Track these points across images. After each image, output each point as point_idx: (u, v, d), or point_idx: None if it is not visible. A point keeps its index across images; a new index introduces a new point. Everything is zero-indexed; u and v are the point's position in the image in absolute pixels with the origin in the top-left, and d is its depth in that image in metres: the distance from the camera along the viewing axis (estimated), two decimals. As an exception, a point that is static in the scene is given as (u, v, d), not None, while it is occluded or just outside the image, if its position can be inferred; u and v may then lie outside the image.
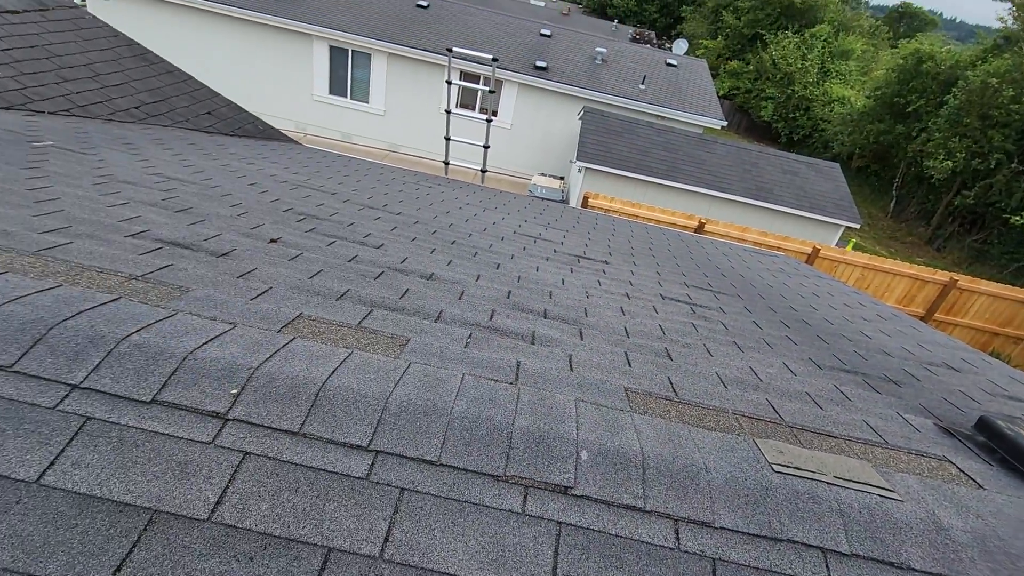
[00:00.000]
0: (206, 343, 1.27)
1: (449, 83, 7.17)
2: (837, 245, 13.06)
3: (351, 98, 15.67)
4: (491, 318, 1.97)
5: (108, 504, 0.98)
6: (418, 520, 1.06)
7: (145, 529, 0.96)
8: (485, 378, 1.44)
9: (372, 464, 1.13)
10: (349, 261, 2.21)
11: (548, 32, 16.95)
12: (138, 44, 5.03)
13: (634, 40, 32.05)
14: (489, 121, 7.40)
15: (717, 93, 19.26)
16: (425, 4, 16.59)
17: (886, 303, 5.64)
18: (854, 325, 3.48)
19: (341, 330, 1.54)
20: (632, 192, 12.48)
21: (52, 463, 1.01)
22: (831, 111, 27.58)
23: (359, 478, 1.10)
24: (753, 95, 31.49)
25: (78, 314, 1.26)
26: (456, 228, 3.41)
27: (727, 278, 4.12)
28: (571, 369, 1.68)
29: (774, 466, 1.33)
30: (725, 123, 15.49)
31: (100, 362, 1.16)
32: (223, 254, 1.92)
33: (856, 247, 18.30)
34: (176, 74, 5.09)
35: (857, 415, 1.82)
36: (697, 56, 30.61)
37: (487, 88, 7.63)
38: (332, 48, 14.95)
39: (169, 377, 1.17)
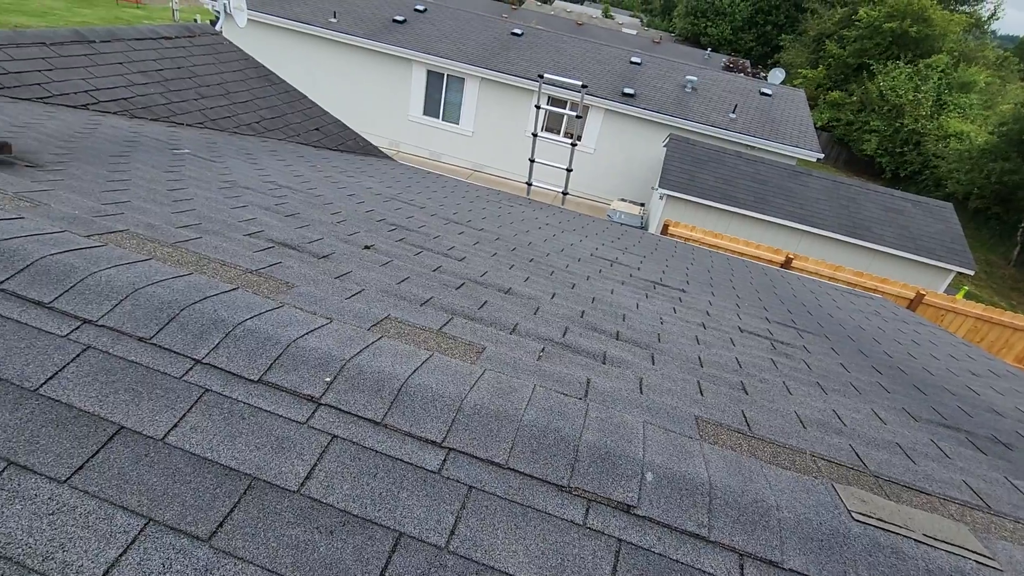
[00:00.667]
0: (307, 334, 1.41)
1: (538, 108, 7.36)
2: (945, 292, 11.91)
3: (443, 119, 16.42)
4: (564, 335, 2.01)
5: (217, 467, 1.11)
6: (483, 518, 1.11)
7: (245, 493, 1.08)
8: (555, 391, 1.48)
9: (444, 460, 1.19)
10: (434, 271, 2.34)
11: (638, 60, 16.97)
12: (263, 66, 5.60)
13: (727, 69, 31.30)
14: (574, 145, 7.51)
15: (815, 124, 18.34)
16: (519, 32, 17.17)
17: (1003, 360, 5.08)
18: (960, 379, 3.18)
19: (423, 333, 1.64)
20: (715, 222, 12.10)
21: (175, 425, 1.16)
22: (946, 147, 25.38)
23: (431, 471, 1.17)
24: (855, 127, 29.67)
25: (204, 299, 1.44)
26: (535, 247, 3.49)
27: (813, 316, 3.90)
28: (641, 392, 1.68)
29: (854, 514, 1.26)
30: (822, 155, 14.70)
31: (219, 342, 1.32)
32: (324, 256, 2.10)
33: (968, 296, 16.57)
34: (292, 93, 5.61)
35: (956, 474, 1.68)
36: (795, 86, 29.36)
37: (574, 113, 7.77)
38: (429, 72, 15.80)
39: (274, 361, 1.30)
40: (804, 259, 10.47)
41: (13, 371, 1.19)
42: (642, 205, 14.41)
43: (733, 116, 15.05)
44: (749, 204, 11.95)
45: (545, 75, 7.34)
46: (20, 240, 1.48)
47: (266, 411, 1.21)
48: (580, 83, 7.28)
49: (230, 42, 5.59)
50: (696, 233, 10.71)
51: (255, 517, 1.04)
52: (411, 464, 1.17)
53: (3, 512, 0.98)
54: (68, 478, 1.05)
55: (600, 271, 3.39)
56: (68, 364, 1.22)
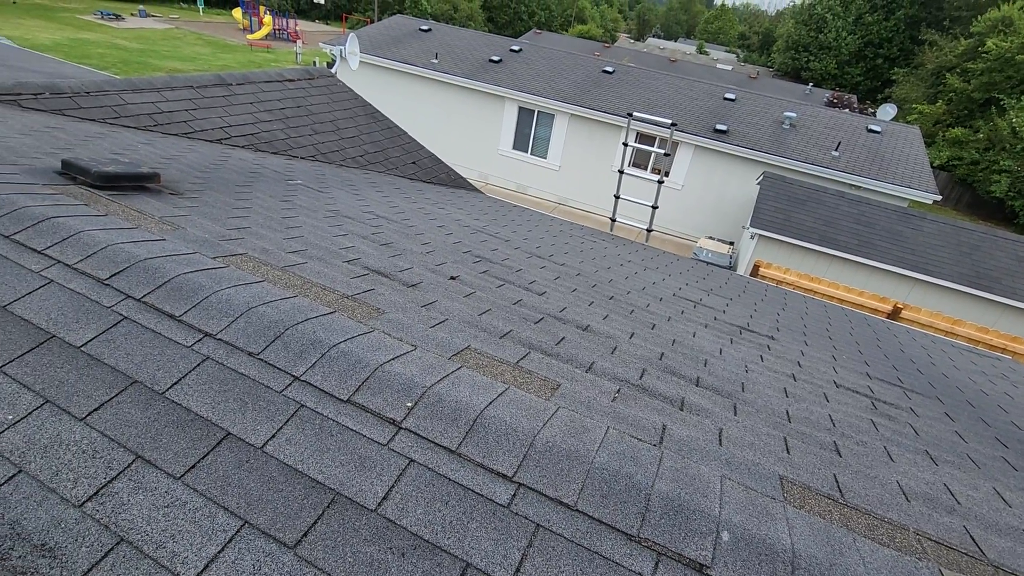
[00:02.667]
0: (393, 359, 1.50)
1: (626, 145, 7.38)
2: (1096, 357, 10.29)
3: (531, 153, 16.85)
4: (641, 377, 1.98)
5: (305, 479, 1.19)
6: (549, 559, 1.11)
7: (328, 506, 1.15)
8: (629, 435, 1.46)
9: (514, 495, 1.21)
10: (514, 304, 2.40)
11: (732, 96, 16.57)
12: (370, 105, 6.08)
13: (830, 104, 29.71)
14: (660, 183, 7.42)
15: (931, 163, 16.83)
16: (611, 70, 17.39)
17: None
18: (1111, 462, 2.73)
19: (501, 366, 1.69)
20: (812, 265, 11.34)
21: (273, 436, 1.27)
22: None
23: (501, 505, 1.19)
24: (981, 167, 26.87)
25: (306, 320, 1.57)
26: (616, 284, 3.47)
27: (924, 375, 3.53)
28: (720, 444, 1.61)
29: (964, 606, 1.13)
30: (939, 197, 13.44)
31: (315, 361, 1.44)
32: (412, 285, 2.23)
33: None
34: (393, 129, 6.03)
35: (1100, 575, 1.44)
36: (908, 122, 27.24)
37: (662, 151, 7.70)
38: (521, 109, 16.35)
39: (363, 383, 1.40)
40: (915, 310, 9.52)
41: (147, 374, 1.37)
42: (731, 244, 13.84)
43: (836, 154, 14.20)
44: (852, 247, 11.12)
45: (634, 113, 7.37)
46: (161, 259, 1.71)
47: (352, 430, 1.30)
48: (669, 121, 7.23)
49: (343, 83, 6.14)
50: (790, 276, 10.10)
51: (336, 531, 1.11)
52: (482, 495, 1.20)
53: (129, 500, 1.12)
54: (182, 475, 1.17)
55: (682, 312, 3.30)
56: (190, 372, 1.38)
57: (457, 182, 6.19)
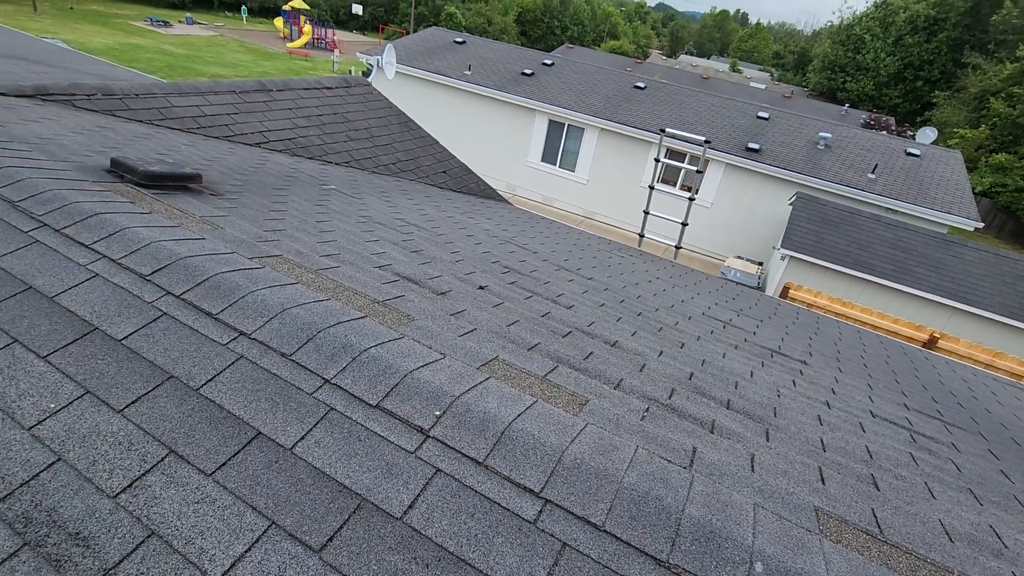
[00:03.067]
0: (422, 367, 1.49)
1: (657, 161, 7.33)
2: None
3: (559, 166, 16.89)
4: (670, 396, 1.94)
5: (332, 483, 1.19)
6: (575, 579, 1.08)
7: (354, 512, 1.15)
8: (659, 456, 1.42)
9: (540, 511, 1.19)
10: (542, 316, 2.38)
11: (766, 115, 16.37)
12: (404, 114, 6.17)
13: (867, 126, 29.13)
14: (691, 200, 7.35)
15: (973, 190, 16.31)
16: (642, 86, 17.37)
17: None
18: None
19: (529, 378, 1.67)
20: (844, 289, 11.06)
21: (302, 438, 1.27)
22: None
23: (527, 521, 1.17)
24: (1027, 195, 25.96)
25: (338, 324, 1.58)
26: (644, 300, 3.42)
27: (966, 409, 3.38)
28: (752, 470, 1.56)
29: (1016, 659, 1.06)
30: (980, 224, 13.00)
31: (346, 365, 1.44)
32: (442, 293, 2.23)
33: None
34: (426, 138, 6.11)
35: None
36: (949, 146, 26.49)
37: (694, 168, 7.62)
38: (551, 122, 16.43)
39: (392, 389, 1.40)
40: (953, 340, 9.18)
41: (183, 370, 1.39)
42: (760, 264, 13.60)
43: (872, 176, 13.88)
44: (887, 272, 10.81)
45: (667, 129, 7.32)
46: (201, 258, 1.74)
47: (379, 435, 1.29)
48: (703, 138, 7.17)
49: (378, 92, 6.25)
50: (821, 299, 9.86)
51: (361, 537, 1.10)
52: (508, 510, 1.18)
53: (161, 495, 1.14)
54: (213, 472, 1.18)
55: (712, 332, 3.24)
56: (224, 370, 1.40)
57: (486, 192, 6.23)
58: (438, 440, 1.30)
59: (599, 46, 64.57)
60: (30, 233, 1.75)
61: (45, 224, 1.79)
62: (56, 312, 1.51)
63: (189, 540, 1.06)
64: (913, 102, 41.46)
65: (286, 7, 41.03)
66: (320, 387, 1.39)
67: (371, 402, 1.36)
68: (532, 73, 17.38)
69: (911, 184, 13.80)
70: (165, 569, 1.02)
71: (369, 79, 6.29)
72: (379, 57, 6.51)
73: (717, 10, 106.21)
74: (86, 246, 1.73)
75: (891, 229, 11.81)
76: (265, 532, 1.09)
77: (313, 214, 2.84)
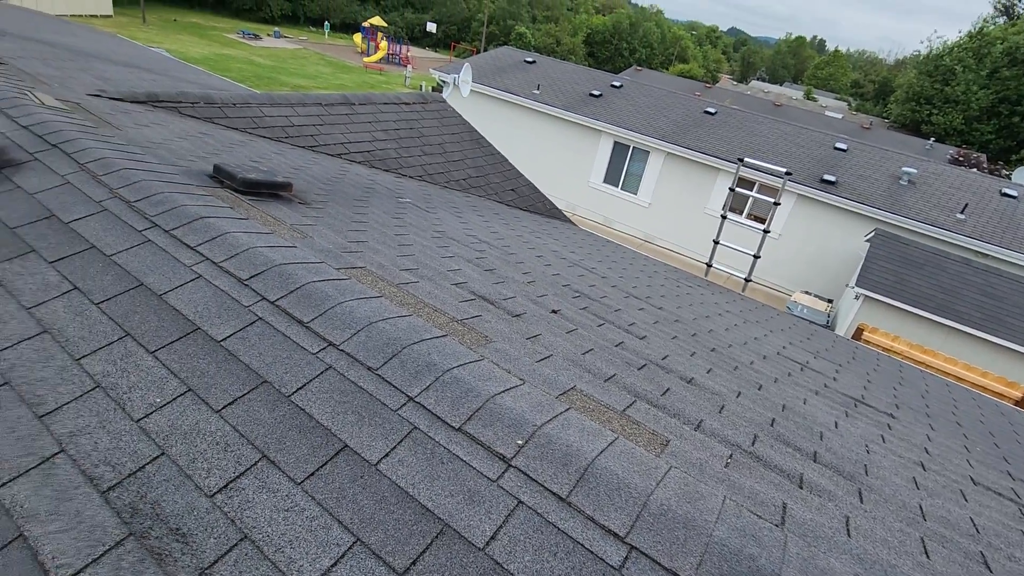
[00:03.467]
0: (503, 392, 1.48)
1: (732, 190, 7.13)
2: None
3: (621, 188, 16.74)
4: (753, 443, 1.83)
5: (416, 504, 1.18)
6: (663, 638, 1.02)
7: (437, 537, 1.13)
8: (748, 509, 1.34)
9: (626, 558, 1.13)
10: (616, 346, 2.33)
11: (843, 146, 15.65)
12: (476, 131, 6.29)
13: (955, 162, 27.36)
14: (766, 232, 7.08)
15: (1079, 236, 14.88)
16: (713, 111, 17.03)
17: None
18: None
19: (608, 412, 1.62)
20: (924, 335, 10.30)
21: (387, 455, 1.27)
22: None
23: (612, 567, 1.11)
24: None
25: (421, 341, 1.59)
26: (716, 335, 3.29)
27: (1078, 484, 3.03)
28: (848, 535, 1.44)
29: None
30: (1088, 276, 11.82)
31: (430, 384, 1.45)
32: (516, 315, 2.22)
33: None
34: (496, 156, 6.19)
35: None
36: (1051, 188, 24.38)
37: (771, 200, 7.34)
38: (616, 143, 16.35)
39: (474, 412, 1.38)
40: (1052, 400, 8.34)
41: (275, 376, 1.43)
42: (829, 301, 12.90)
43: (962, 216, 12.95)
44: (975, 321, 9.99)
45: (746, 159, 7.11)
46: (293, 266, 1.81)
47: (462, 460, 1.28)
48: (783, 170, 6.90)
49: (452, 108, 6.41)
50: (898, 344, 9.22)
51: (443, 564, 1.08)
52: (592, 552, 1.13)
53: (254, 499, 1.16)
54: (302, 481, 1.20)
55: (789, 374, 3.07)
56: (314, 379, 1.43)
57: (552, 212, 6.23)
58: (520, 471, 1.27)
59: (667, 69, 64.01)
60: (143, 232, 1.87)
61: (156, 225, 1.91)
62: (164, 310, 1.59)
63: (279, 548, 1.08)
64: (1007, 139, 38.63)
65: (365, 24, 43.10)
66: (404, 404, 1.39)
67: (454, 424, 1.35)
68: (600, 94, 17.39)
69: (1006, 227, 12.78)
70: (256, 575, 1.03)
71: (444, 95, 6.45)
72: (456, 75, 6.68)
73: (793, 36, 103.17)
74: (191, 248, 1.83)
75: (981, 274, 10.94)
76: (350, 548, 1.09)
77: (392, 227, 2.91)
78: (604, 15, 73.29)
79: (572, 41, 61.95)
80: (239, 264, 1.77)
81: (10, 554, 1.05)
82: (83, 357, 1.43)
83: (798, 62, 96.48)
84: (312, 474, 1.22)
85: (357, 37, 43.57)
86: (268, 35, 39.92)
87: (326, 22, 51.87)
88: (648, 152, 15.99)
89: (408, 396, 1.42)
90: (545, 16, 66.78)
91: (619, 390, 1.84)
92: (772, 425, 2.09)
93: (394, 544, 1.11)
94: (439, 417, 1.37)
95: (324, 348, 1.52)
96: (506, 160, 6.33)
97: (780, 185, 7.00)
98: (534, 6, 67.68)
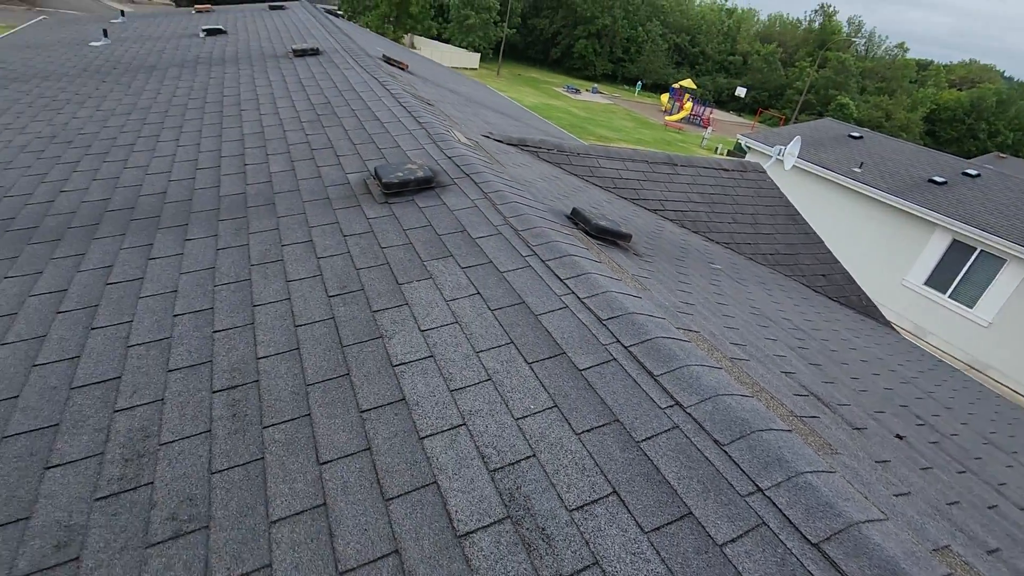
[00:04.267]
0: (868, 522, 1.29)
1: None
2: None
3: (949, 296, 13.53)
4: None
5: (761, 607, 1.11)
6: None
7: (785, 656, 1.04)
8: None
9: None
10: (988, 508, 1.85)
11: None
12: (792, 206, 5.86)
13: None
14: None
15: None
16: None
17: None
18: None
19: (1002, 599, 1.28)
20: None
21: (734, 540, 1.23)
22: None
23: None
24: None
25: (768, 431, 1.51)
26: None
27: None
28: None
29: None
30: None
31: (781, 482, 1.35)
32: (858, 428, 1.95)
33: None
34: (811, 236, 5.65)
35: None
36: None
37: None
38: (955, 242, 13.33)
39: (834, 534, 1.24)
40: None
41: (626, 418, 1.53)
42: None
43: None
44: None
45: None
46: (643, 317, 1.92)
47: (818, 583, 1.15)
48: None
49: (771, 179, 6.10)
50: None
51: None
52: None
53: (605, 529, 1.25)
54: (648, 532, 1.25)
55: None
56: (661, 433, 1.48)
57: (868, 310, 5.37)
58: (892, 627, 1.08)
59: (1049, 161, 49.63)
60: (526, 258, 2.23)
61: (535, 254, 2.26)
62: (538, 328, 1.86)
63: (627, 590, 1.13)
64: None
65: (675, 85, 44.59)
66: (752, 493, 1.33)
67: (810, 538, 1.23)
68: (944, 181, 14.45)
69: None
70: (607, 607, 1.10)
71: (765, 165, 6.18)
72: (781, 147, 6.37)
73: None
74: (561, 280, 2.10)
75: None
76: (694, 624, 1.08)
77: (710, 292, 2.88)
78: (961, 89, 60.91)
79: (907, 116, 53.16)
80: (598, 304, 1.96)
81: (426, 496, 1.34)
82: (480, 351, 1.76)
83: None
84: (658, 528, 1.25)
85: (664, 97, 45.34)
86: (587, 90, 44.58)
87: (639, 82, 55.43)
88: (1004, 260, 12.57)
89: (757, 486, 1.35)
90: (878, 87, 58.86)
91: (1009, 572, 1.44)
92: None
93: (739, 641, 1.06)
94: (792, 523, 1.27)
95: (671, 406, 1.57)
96: (821, 242, 5.72)
97: None
98: (866, 76, 60.35)
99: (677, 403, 1.58)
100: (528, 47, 57.20)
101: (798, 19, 68.69)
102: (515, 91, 33.48)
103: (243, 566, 1.18)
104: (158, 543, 1.21)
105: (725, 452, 1.44)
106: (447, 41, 45.52)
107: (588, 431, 1.49)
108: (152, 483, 1.34)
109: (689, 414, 1.54)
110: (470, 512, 1.28)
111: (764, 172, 6.13)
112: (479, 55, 44.56)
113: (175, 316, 1.89)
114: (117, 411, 1.51)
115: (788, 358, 2.39)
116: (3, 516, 1.25)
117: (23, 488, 1.31)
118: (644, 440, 1.47)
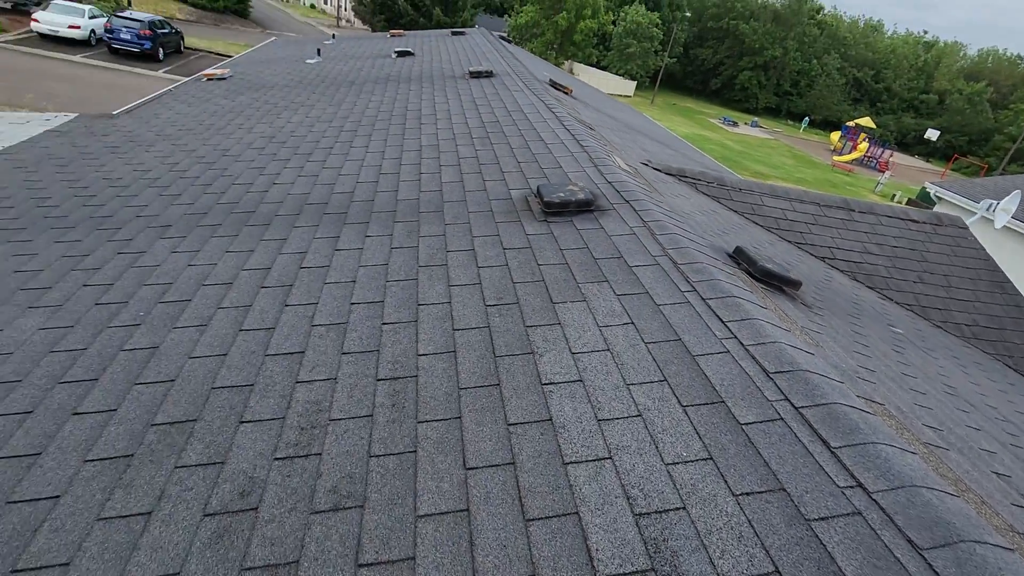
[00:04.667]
0: None
1: None
2: None
3: None
4: None
5: None
6: None
7: None
8: None
9: None
10: None
11: None
12: (1000, 271, 4.95)
13: None
14: None
15: None
16: None
17: None
18: None
19: None
20: None
21: (929, 667, 1.02)
22: None
23: None
24: None
25: (984, 544, 1.24)
26: None
27: None
28: None
29: None
30: None
31: (999, 611, 1.10)
32: None
33: None
34: (1023, 309, 4.71)
35: None
36: None
37: None
38: None
39: None
40: None
41: (795, 490, 1.36)
42: None
43: None
44: None
45: None
46: (818, 377, 1.71)
47: None
48: None
49: (974, 238, 5.21)
50: None
51: None
52: None
53: (766, 612, 1.10)
54: (818, 629, 1.08)
55: None
56: (838, 516, 1.29)
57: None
58: None
59: None
60: (684, 293, 2.11)
61: (695, 290, 2.13)
62: (695, 370, 1.74)
63: None
64: None
65: (850, 123, 40.47)
66: (954, 612, 1.10)
67: None
68: None
69: None
70: None
71: (968, 221, 5.32)
72: (992, 201, 5.39)
73: None
74: (723, 322, 1.95)
75: None
76: None
77: (894, 360, 2.50)
78: None
79: None
80: (765, 354, 1.79)
81: (566, 524, 1.29)
82: (631, 384, 1.69)
83: None
84: (831, 628, 1.08)
85: (835, 135, 41.36)
86: (746, 124, 42.23)
87: (806, 118, 51.24)
88: None
89: (964, 606, 1.11)
90: None
91: None
92: None
93: None
94: (1013, 666, 1.02)
95: (852, 487, 1.36)
96: (1038, 319, 4.74)
97: None
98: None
99: (860, 484, 1.37)
100: (687, 76, 55.77)
101: (1018, 56, 58.54)
102: (667, 120, 32.73)
103: (390, 553, 1.23)
104: (321, 511, 1.31)
105: (924, 559, 1.21)
106: (604, 68, 46.04)
107: (747, 494, 1.35)
108: (320, 455, 1.46)
109: (875, 501, 1.33)
110: (611, 554, 1.22)
111: (966, 228, 5.27)
112: (635, 83, 44.42)
113: (352, 304, 2.07)
114: (299, 382, 1.69)
115: (999, 456, 1.98)
116: (206, 457, 1.44)
117: (223, 435, 1.50)
118: (816, 520, 1.29)
